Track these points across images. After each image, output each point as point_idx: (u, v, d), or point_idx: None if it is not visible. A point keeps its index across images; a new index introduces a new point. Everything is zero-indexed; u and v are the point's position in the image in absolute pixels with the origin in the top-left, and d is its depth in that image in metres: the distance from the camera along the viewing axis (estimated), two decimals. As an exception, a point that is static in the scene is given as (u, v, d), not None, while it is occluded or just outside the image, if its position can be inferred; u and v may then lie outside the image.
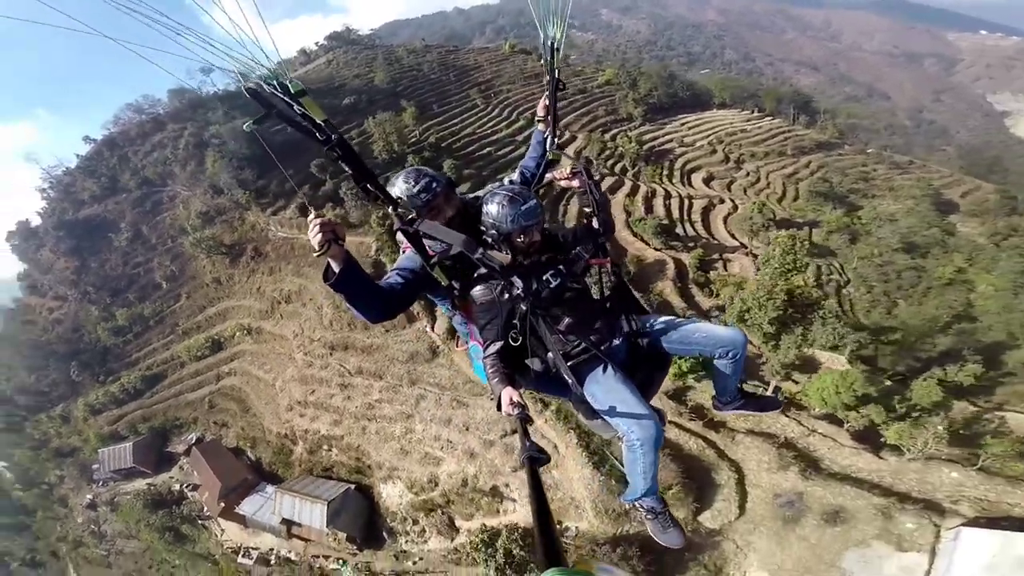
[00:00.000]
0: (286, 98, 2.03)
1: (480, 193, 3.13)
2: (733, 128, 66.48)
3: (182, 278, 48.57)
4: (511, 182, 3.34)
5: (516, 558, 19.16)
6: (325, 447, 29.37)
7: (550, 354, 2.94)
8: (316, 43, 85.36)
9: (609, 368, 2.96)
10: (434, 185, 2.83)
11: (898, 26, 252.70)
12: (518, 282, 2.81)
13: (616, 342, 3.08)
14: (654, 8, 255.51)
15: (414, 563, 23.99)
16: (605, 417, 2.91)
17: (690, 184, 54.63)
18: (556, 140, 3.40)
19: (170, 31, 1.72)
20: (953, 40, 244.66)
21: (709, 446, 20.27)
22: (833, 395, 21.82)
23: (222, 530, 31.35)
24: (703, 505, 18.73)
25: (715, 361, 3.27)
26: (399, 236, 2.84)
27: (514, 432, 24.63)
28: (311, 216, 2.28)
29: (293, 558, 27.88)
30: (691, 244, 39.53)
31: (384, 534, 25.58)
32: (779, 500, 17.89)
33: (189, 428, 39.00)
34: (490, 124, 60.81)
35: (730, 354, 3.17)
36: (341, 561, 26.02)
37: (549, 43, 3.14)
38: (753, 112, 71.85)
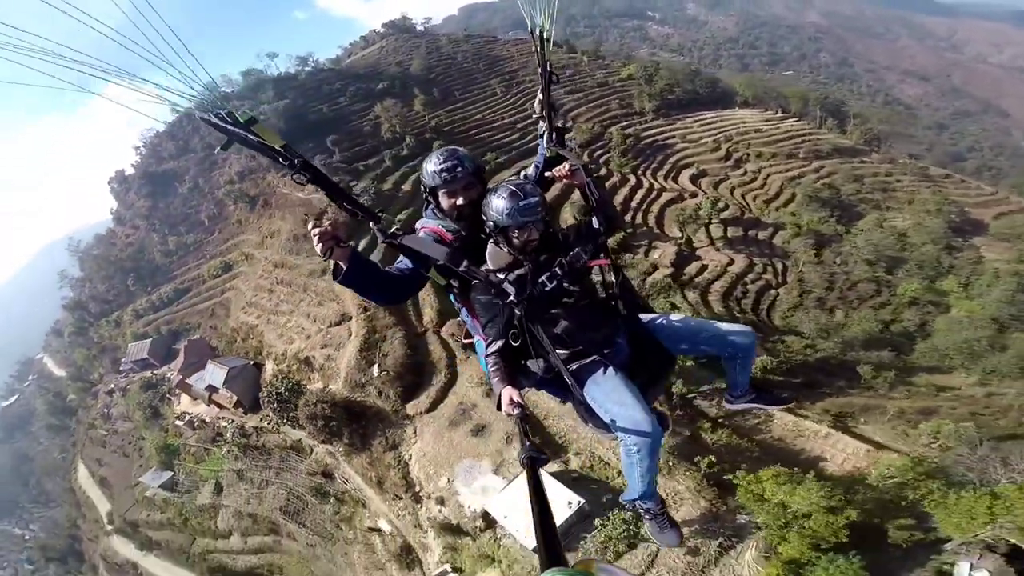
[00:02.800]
0: (238, 128, 2.10)
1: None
2: (746, 127, 65.55)
3: (219, 218, 60.07)
4: (526, 176, 3.34)
5: (323, 419, 26.05)
6: (251, 336, 38.94)
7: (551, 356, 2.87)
8: (374, 30, 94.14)
9: (609, 370, 2.92)
10: (458, 169, 2.84)
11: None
12: (510, 288, 2.75)
13: (619, 342, 3.04)
14: (748, 5, 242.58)
15: (268, 424, 31.87)
16: (604, 420, 2.86)
17: (675, 180, 55.71)
18: (555, 136, 3.30)
19: (117, 72, 1.80)
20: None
21: (447, 354, 24.80)
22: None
23: (179, 403, 40.59)
24: (414, 395, 23.56)
25: (723, 360, 3.25)
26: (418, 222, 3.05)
27: (338, 323, 31.79)
28: (310, 226, 2.39)
29: (207, 420, 36.20)
30: (628, 231, 41.85)
31: (262, 402, 32.69)
32: (458, 408, 21.98)
33: (193, 330, 49.00)
34: (500, 112, 65.39)
35: (738, 354, 3.15)
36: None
37: (538, 33, 3.03)
38: (776, 112, 69.97)
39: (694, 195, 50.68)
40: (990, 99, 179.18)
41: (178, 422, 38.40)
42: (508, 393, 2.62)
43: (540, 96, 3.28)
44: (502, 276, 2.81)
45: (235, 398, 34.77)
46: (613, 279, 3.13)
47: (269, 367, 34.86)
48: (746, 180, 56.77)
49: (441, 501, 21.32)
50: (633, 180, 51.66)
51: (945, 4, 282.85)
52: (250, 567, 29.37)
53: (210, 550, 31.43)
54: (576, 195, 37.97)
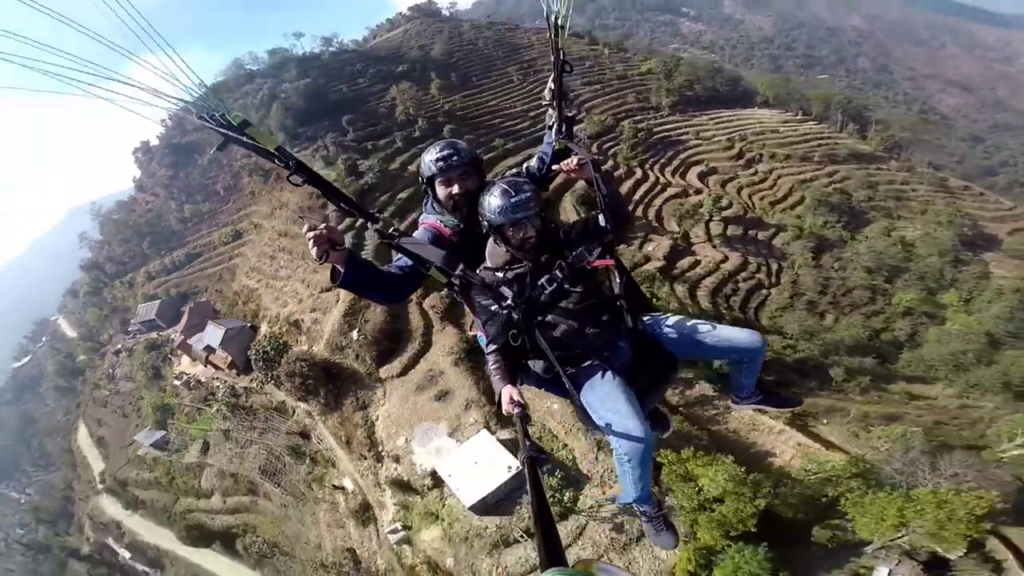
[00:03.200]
0: (231, 131, 2.10)
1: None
2: (763, 128, 64.78)
3: (234, 189, 62.32)
4: (527, 168, 3.32)
5: (301, 377, 27.88)
6: (251, 300, 41.03)
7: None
8: (399, 13, 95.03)
9: (608, 374, 2.85)
10: (454, 158, 2.83)
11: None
12: (507, 291, 2.71)
13: (620, 345, 2.96)
14: (788, 6, 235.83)
15: (256, 385, 33.63)
16: (598, 426, 2.81)
17: (682, 176, 55.53)
18: (564, 127, 3.18)
19: (114, 79, 1.78)
20: None
21: (424, 323, 25.75)
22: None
23: (179, 364, 42.53)
24: (388, 360, 24.54)
25: (730, 364, 3.18)
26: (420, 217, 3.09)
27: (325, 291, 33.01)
28: (305, 228, 2.37)
29: (202, 380, 37.92)
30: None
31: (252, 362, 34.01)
32: (427, 374, 22.96)
33: (201, 294, 51.25)
34: (515, 99, 65.75)
35: (745, 359, 3.07)
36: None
37: (553, 19, 2.82)
38: (796, 115, 68.75)
39: (699, 192, 50.56)
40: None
41: (176, 382, 40.36)
42: (508, 392, 2.57)
43: (551, 84, 3.13)
44: (500, 276, 2.77)
45: (229, 359, 36.44)
46: (618, 280, 3.00)
47: (263, 329, 36.63)
48: (755, 180, 56.22)
49: (396, 459, 22.69)
50: (639, 173, 51.75)
51: (1001, 14, 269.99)
52: (226, 526, 30.74)
53: (191, 509, 32.95)
54: (579, 185, 38.47)
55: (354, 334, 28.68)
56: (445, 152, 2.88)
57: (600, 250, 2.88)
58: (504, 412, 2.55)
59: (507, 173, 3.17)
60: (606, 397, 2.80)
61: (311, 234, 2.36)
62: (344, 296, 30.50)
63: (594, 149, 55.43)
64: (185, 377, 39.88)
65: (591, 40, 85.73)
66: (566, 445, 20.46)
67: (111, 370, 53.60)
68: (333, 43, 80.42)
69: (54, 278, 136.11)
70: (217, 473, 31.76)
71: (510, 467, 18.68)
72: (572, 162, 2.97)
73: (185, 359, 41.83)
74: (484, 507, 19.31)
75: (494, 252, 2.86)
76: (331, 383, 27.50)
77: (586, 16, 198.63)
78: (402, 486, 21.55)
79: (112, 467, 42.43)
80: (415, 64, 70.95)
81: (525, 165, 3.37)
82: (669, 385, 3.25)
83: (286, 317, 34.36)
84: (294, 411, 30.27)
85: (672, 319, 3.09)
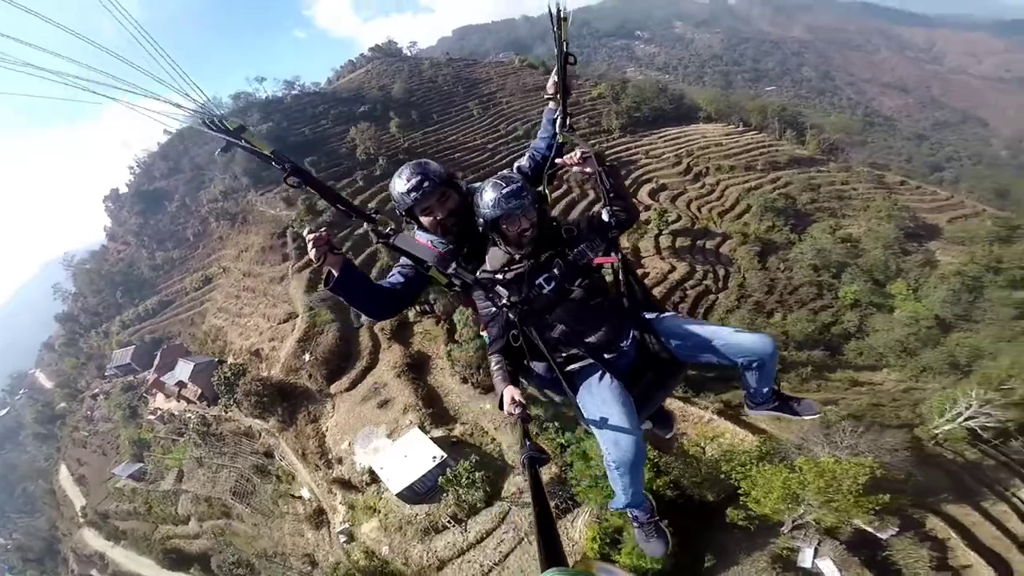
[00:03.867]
0: (229, 136, 2.18)
1: (478, 185, 2.97)
2: (707, 142, 68.59)
3: (203, 235, 63.85)
4: (519, 168, 3.25)
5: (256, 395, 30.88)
6: (219, 337, 43.59)
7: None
8: (361, 54, 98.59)
9: (606, 378, 2.78)
10: (425, 184, 2.71)
11: (1015, 48, 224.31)
12: (502, 291, 2.69)
13: (624, 345, 2.89)
14: (735, 22, 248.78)
15: (225, 409, 35.78)
16: (591, 429, 2.78)
17: (635, 195, 58.64)
18: (566, 121, 3.09)
19: (120, 87, 1.88)
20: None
21: (373, 344, 27.80)
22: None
23: (154, 401, 44.13)
24: (338, 377, 28.26)
25: (740, 368, 3.01)
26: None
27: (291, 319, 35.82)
28: (306, 231, 2.48)
29: (175, 413, 39.98)
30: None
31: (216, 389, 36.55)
32: (372, 386, 25.15)
33: (175, 338, 52.41)
34: (475, 133, 68.88)
35: (754, 364, 2.93)
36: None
37: (555, 12, 2.80)
38: (737, 126, 73.14)
39: (648, 208, 53.52)
40: (968, 109, 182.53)
41: (151, 417, 42.05)
42: (509, 393, 2.52)
43: (554, 77, 3.05)
44: (499, 277, 2.73)
45: (199, 391, 38.83)
46: (622, 278, 2.95)
47: (229, 361, 39.00)
48: (704, 193, 59.58)
49: (339, 461, 25.36)
50: (592, 195, 54.62)
51: (923, 15, 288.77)
52: (203, 549, 31.64)
53: (169, 536, 33.87)
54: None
55: (306, 356, 31.89)
56: (415, 180, 2.73)
57: (604, 247, 2.84)
58: (505, 413, 2.49)
59: (499, 173, 2.99)
60: (601, 402, 2.72)
61: (311, 236, 2.44)
62: (300, 325, 34.28)
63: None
64: (159, 412, 41.57)
65: (545, 70, 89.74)
66: (494, 439, 22.65)
67: (89, 412, 54.42)
68: (295, 86, 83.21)
69: (32, 330, 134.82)
70: (192, 499, 32.94)
71: (435, 457, 20.90)
72: (576, 155, 2.89)
73: (160, 396, 43.56)
74: (413, 495, 21.29)
75: (493, 255, 2.81)
76: (285, 401, 30.71)
77: (547, 46, 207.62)
78: (345, 485, 24.06)
79: (93, 501, 43.26)
80: (376, 104, 73.80)
81: (516, 165, 3.29)
82: (674, 388, 3.18)
83: (248, 348, 37.57)
84: (260, 434, 32.19)
85: (678, 320, 3.00)
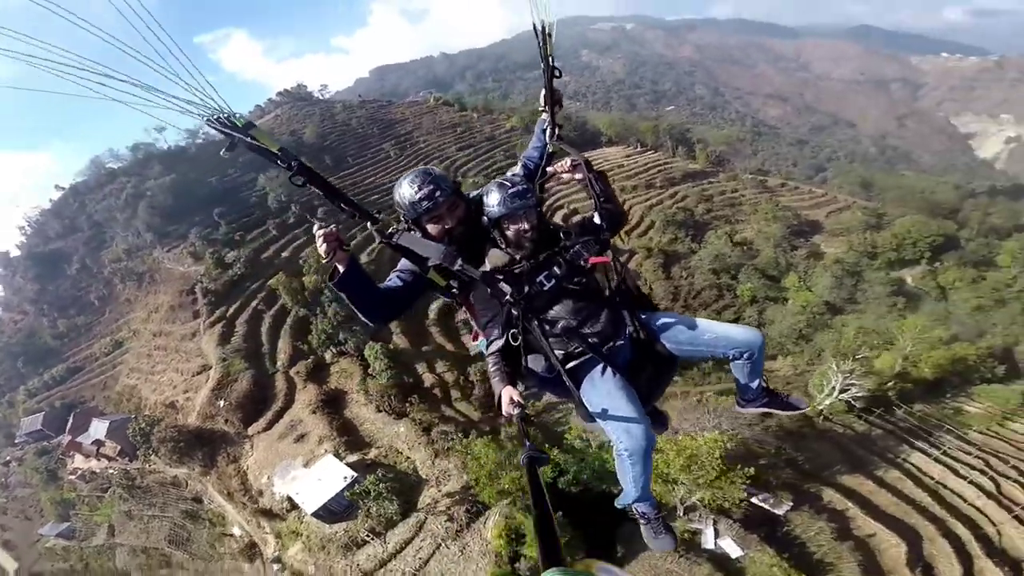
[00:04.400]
0: (237, 133, 2.18)
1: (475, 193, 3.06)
2: (611, 164, 73.75)
3: (109, 299, 59.82)
4: (513, 175, 3.32)
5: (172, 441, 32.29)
6: (133, 396, 43.21)
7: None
8: (269, 99, 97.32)
9: (608, 371, 2.87)
10: (437, 194, 2.75)
11: (866, 53, 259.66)
12: (506, 287, 2.75)
13: (620, 342, 2.96)
14: (633, 46, 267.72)
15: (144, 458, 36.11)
16: (598, 423, 2.84)
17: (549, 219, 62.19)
18: (556, 131, 3.24)
19: (131, 84, 1.87)
20: (917, 64, 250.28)
21: (288, 386, 30.03)
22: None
23: (73, 462, 42.59)
24: (255, 420, 31.05)
25: (731, 362, 3.16)
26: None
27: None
28: (316, 227, 2.44)
29: (97, 472, 39.31)
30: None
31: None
32: (288, 424, 27.76)
33: (88, 402, 49.51)
34: (392, 174, 69.68)
35: (745, 355, 3.05)
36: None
37: (540, 27, 2.89)
38: (636, 147, 79.40)
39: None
40: (837, 112, 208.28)
41: (71, 477, 40.94)
42: (508, 393, 2.58)
43: (544, 91, 3.18)
44: (500, 276, 2.79)
45: (119, 447, 38.64)
46: (615, 277, 3.04)
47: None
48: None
49: (260, 494, 26.99)
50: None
51: (789, 27, 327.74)
52: None
53: None
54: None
55: (220, 403, 33.09)
56: (426, 190, 2.75)
57: (598, 248, 2.94)
58: (504, 413, 2.54)
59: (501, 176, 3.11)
60: (606, 394, 2.81)
61: (321, 232, 2.43)
62: (213, 375, 35.54)
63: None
64: (80, 471, 40.64)
65: (461, 107, 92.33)
66: (408, 458, 24.73)
67: (3, 479, 50.50)
68: (200, 135, 79.16)
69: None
70: (129, 552, 31.99)
71: (346, 477, 22.69)
72: (566, 163, 3.05)
73: (78, 457, 42.46)
74: (329, 515, 22.87)
75: (493, 255, 2.88)
76: (204, 446, 31.80)
77: (466, 82, 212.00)
78: (268, 515, 25.78)
79: (26, 563, 40.53)
80: (288, 149, 73.04)
81: (511, 172, 3.38)
82: (668, 383, 3.30)
83: (163, 402, 38.30)
84: (187, 482, 32.39)
85: (669, 317, 3.09)
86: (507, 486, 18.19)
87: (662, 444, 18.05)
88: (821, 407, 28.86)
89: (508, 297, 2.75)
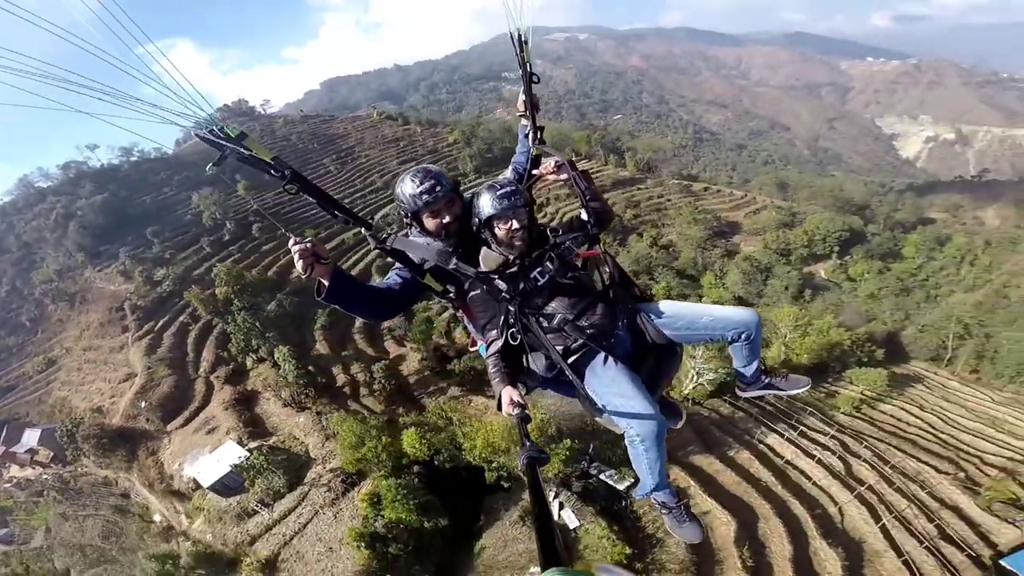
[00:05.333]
0: (230, 144, 2.17)
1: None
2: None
3: (40, 319, 58.72)
4: (504, 178, 3.26)
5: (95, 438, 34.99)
6: (64, 407, 44.71)
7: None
8: (208, 115, 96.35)
9: (609, 360, 2.87)
10: (437, 189, 2.78)
11: (799, 58, 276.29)
12: (502, 284, 2.79)
13: (619, 332, 2.99)
14: (585, 56, 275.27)
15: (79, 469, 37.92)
16: (606, 412, 2.86)
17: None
18: (537, 135, 3.27)
19: (120, 96, 1.85)
20: (846, 69, 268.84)
21: (207, 388, 35.27)
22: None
23: (9, 472, 43.35)
24: (174, 418, 33.90)
25: (729, 345, 3.18)
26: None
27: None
28: (291, 243, 2.38)
29: (32, 479, 40.61)
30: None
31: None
32: (204, 420, 31.40)
33: (22, 418, 48.91)
34: (332, 188, 70.97)
35: (743, 336, 3.06)
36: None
37: (517, 35, 2.96)
38: (571, 156, 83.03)
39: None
40: (773, 116, 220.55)
41: (7, 485, 41.74)
42: (508, 393, 2.55)
43: (522, 96, 3.21)
44: (495, 277, 2.81)
45: (52, 454, 40.49)
46: (607, 270, 3.07)
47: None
48: (546, 222, 67.34)
49: (171, 478, 30.31)
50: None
51: (732, 35, 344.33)
52: None
53: None
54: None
55: (142, 404, 36.25)
56: (427, 184, 2.78)
57: (585, 241, 3.01)
58: (504, 413, 2.52)
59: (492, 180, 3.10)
60: (610, 381, 2.82)
61: (297, 248, 2.36)
62: (137, 381, 38.18)
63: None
64: (15, 480, 41.65)
65: (404, 120, 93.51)
66: (303, 442, 27.94)
67: None
68: (134, 153, 78.68)
69: None
70: (67, 551, 32.95)
71: (239, 456, 25.88)
72: (550, 164, 3.11)
73: (14, 467, 43.38)
74: (226, 489, 26.27)
75: (486, 257, 2.88)
76: (126, 443, 34.78)
77: (420, 94, 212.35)
78: (179, 496, 29.10)
79: None
80: (225, 167, 73.25)
81: (501, 177, 3.34)
82: (674, 372, 3.30)
83: (90, 407, 40.57)
84: (116, 481, 34.40)
85: (664, 304, 3.09)
86: (367, 454, 20.83)
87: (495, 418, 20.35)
88: (686, 391, 30.24)
89: (504, 294, 2.79)
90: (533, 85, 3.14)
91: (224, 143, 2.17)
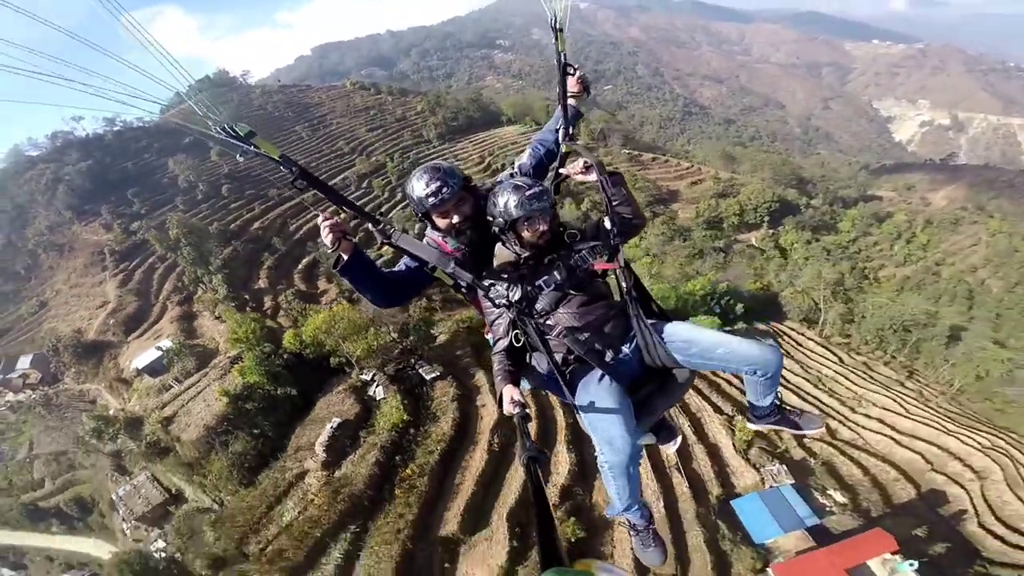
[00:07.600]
0: (240, 142, 2.28)
1: (489, 183, 3.04)
2: (505, 142, 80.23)
3: (34, 267, 65.21)
4: (520, 167, 3.26)
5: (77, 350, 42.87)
6: (53, 334, 49.44)
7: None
8: (189, 85, 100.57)
9: (604, 379, 2.78)
10: (444, 191, 2.72)
11: (803, 38, 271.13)
12: (500, 290, 2.77)
13: (625, 350, 2.90)
14: (583, 26, 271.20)
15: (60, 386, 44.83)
16: (587, 430, 2.83)
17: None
18: (569, 131, 3.13)
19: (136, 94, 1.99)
20: (850, 50, 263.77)
21: (161, 311, 41.82)
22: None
23: (3, 397, 49.49)
24: (134, 331, 42.28)
25: (744, 376, 3.03)
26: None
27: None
28: (321, 219, 2.48)
29: (23, 400, 46.49)
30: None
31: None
32: (156, 332, 39.03)
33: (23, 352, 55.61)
34: (302, 155, 75.45)
35: (758, 373, 2.91)
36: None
37: (554, 24, 2.88)
38: (532, 126, 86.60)
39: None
40: (769, 94, 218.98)
41: (1, 408, 47.88)
42: (509, 392, 2.50)
43: (559, 89, 3.08)
44: (501, 277, 2.79)
45: (41, 376, 46.93)
46: (624, 284, 2.89)
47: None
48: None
49: (122, 371, 38.60)
50: (400, 196, 64.76)
51: (742, 11, 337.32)
52: (59, 503, 37.14)
53: (26, 502, 38.38)
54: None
55: (111, 321, 44.64)
56: (434, 186, 2.72)
57: (607, 254, 2.87)
58: (505, 412, 2.45)
59: (504, 176, 3.08)
60: (598, 402, 2.72)
61: (327, 223, 2.46)
62: (110, 305, 46.46)
63: (364, 187, 68.15)
64: (9, 403, 47.59)
65: (375, 90, 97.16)
66: (217, 341, 35.59)
67: None
68: (118, 122, 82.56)
69: None
70: (45, 461, 38.76)
71: (167, 346, 34.51)
72: (579, 165, 2.94)
73: (9, 394, 49.17)
74: (152, 372, 34.44)
75: (500, 253, 2.87)
76: (97, 352, 42.79)
77: (411, 60, 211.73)
78: (125, 383, 37.03)
79: None
80: (202, 134, 78.36)
81: (517, 164, 3.28)
82: (679, 397, 3.16)
83: (72, 330, 47.37)
84: (89, 392, 40.96)
85: (680, 327, 2.92)
86: (243, 336, 27.85)
87: (337, 310, 27.15)
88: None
89: (503, 301, 2.76)
90: (568, 77, 3.04)
91: (235, 142, 2.32)
